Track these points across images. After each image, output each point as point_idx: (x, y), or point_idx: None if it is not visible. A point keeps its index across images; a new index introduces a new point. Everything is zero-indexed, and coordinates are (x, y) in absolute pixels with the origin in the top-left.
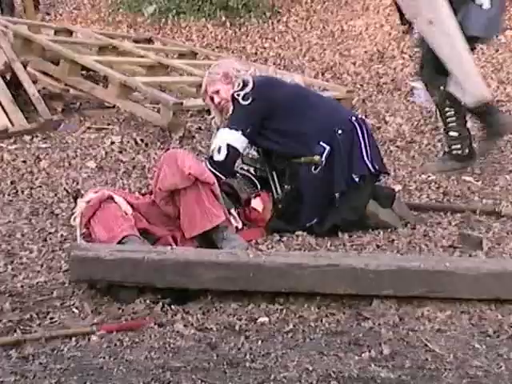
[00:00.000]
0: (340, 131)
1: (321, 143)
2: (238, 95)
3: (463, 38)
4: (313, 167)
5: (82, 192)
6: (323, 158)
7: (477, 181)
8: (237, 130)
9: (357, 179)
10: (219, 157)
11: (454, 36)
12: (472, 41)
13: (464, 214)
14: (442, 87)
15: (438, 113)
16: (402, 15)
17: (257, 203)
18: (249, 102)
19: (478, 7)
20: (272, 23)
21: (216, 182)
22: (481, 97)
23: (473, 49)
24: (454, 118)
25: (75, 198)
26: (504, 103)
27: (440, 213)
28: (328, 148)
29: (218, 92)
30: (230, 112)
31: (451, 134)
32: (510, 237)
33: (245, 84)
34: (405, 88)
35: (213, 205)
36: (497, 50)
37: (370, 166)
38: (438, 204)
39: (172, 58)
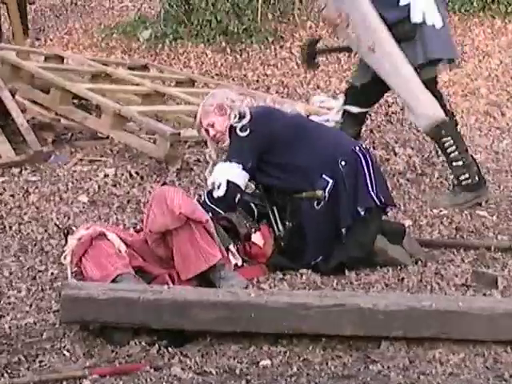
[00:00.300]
0: (343, 163)
1: (323, 176)
2: (236, 127)
3: (406, 60)
4: (315, 202)
5: (73, 228)
6: (326, 193)
7: (491, 215)
8: (237, 163)
9: (362, 212)
10: (219, 193)
11: (396, 60)
12: (434, 64)
13: (478, 250)
14: None
15: (435, 145)
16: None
17: (257, 238)
18: (247, 133)
19: (431, 28)
20: (275, 49)
21: (209, 219)
22: (435, 118)
23: (436, 76)
24: (453, 147)
25: (66, 235)
26: None
27: (452, 249)
28: (331, 181)
29: (213, 125)
30: (227, 144)
31: (455, 164)
32: None
33: (241, 115)
34: None
35: (207, 243)
36: None
37: (375, 197)
38: (450, 240)
39: (169, 85)
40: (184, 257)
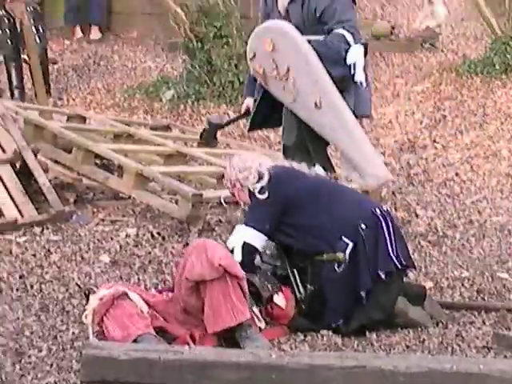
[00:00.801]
0: (363, 226)
1: (343, 239)
2: (255, 189)
3: (354, 118)
4: (336, 265)
5: (94, 288)
6: (347, 255)
7: None
8: (254, 226)
9: (383, 276)
10: (236, 257)
11: (347, 118)
12: (359, 120)
13: (499, 312)
14: None
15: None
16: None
17: (280, 300)
18: (265, 196)
19: (359, 86)
20: None
21: (245, 277)
22: (385, 179)
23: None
24: None
25: (87, 296)
26: None
27: (473, 311)
28: (351, 244)
29: (234, 195)
30: (247, 205)
31: None
32: None
33: (260, 176)
34: (437, 179)
35: (239, 300)
36: None
37: (396, 261)
38: (471, 302)
39: (191, 146)
40: (214, 309)
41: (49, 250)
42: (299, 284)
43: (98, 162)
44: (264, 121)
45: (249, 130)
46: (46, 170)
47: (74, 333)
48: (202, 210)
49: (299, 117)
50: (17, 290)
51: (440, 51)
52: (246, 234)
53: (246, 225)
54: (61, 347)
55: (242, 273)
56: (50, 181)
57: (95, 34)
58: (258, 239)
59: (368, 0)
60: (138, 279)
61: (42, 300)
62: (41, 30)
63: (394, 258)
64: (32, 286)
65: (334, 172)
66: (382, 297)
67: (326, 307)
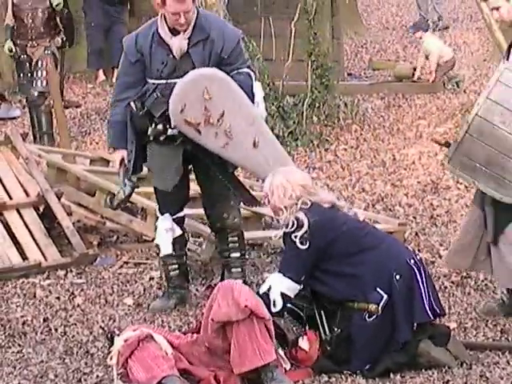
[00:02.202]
0: (398, 276)
1: (378, 290)
2: (296, 237)
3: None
4: (367, 315)
5: (116, 331)
6: (380, 308)
7: None
8: (291, 277)
9: (416, 326)
10: (275, 309)
11: (282, 153)
12: None
13: None
14: None
15: None
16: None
17: (304, 343)
18: (307, 246)
19: None
20: (320, 152)
21: (271, 318)
22: None
23: None
24: None
25: (110, 339)
26: None
27: (498, 352)
28: (385, 297)
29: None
30: (284, 252)
31: None
32: None
33: (299, 225)
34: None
35: (266, 341)
36: None
37: (429, 312)
38: (495, 343)
39: None
40: (241, 350)
41: (73, 293)
42: (325, 326)
43: None
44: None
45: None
46: (69, 213)
47: (98, 376)
48: None
49: (230, 160)
50: (41, 333)
51: (462, 92)
52: (284, 286)
53: (284, 275)
54: None
55: (267, 314)
56: (73, 224)
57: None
58: (293, 290)
59: (390, 42)
60: (162, 321)
61: (66, 343)
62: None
63: (428, 309)
64: (56, 329)
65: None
66: (409, 343)
67: (353, 353)
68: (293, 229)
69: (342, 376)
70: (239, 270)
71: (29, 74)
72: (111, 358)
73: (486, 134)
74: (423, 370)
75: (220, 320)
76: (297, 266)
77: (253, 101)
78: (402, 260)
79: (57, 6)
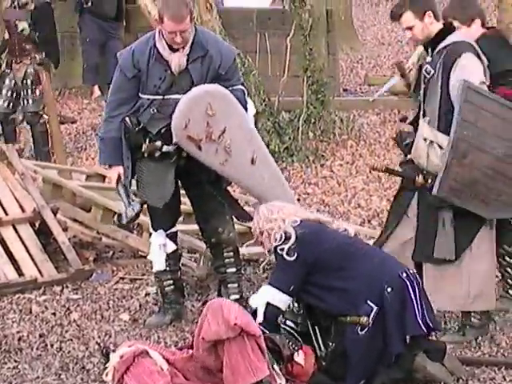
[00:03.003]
0: (389, 289)
1: (368, 302)
2: (282, 249)
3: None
4: (359, 328)
5: (112, 348)
6: (370, 319)
7: None
8: (280, 287)
9: (409, 340)
10: (258, 318)
11: (276, 169)
12: None
13: None
14: None
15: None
16: None
17: (300, 358)
18: (294, 258)
19: None
20: (315, 167)
21: (262, 334)
22: None
23: None
24: None
25: (105, 355)
26: None
27: (494, 368)
28: (376, 308)
29: (262, 244)
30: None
31: None
32: None
33: (287, 237)
34: None
35: (257, 358)
36: None
37: (422, 326)
38: (491, 358)
39: None
40: (233, 368)
41: (68, 309)
42: (320, 341)
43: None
44: None
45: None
46: (65, 229)
47: None
48: None
49: (227, 177)
50: (37, 348)
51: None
52: (270, 295)
53: (272, 285)
54: None
55: (258, 331)
56: (69, 239)
57: None
58: (282, 300)
59: (386, 57)
60: (158, 337)
61: (62, 359)
62: (36, 93)
63: (421, 323)
64: (52, 345)
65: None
66: (404, 357)
67: (348, 367)
68: (281, 242)
69: None
70: (236, 285)
71: (15, 93)
72: (107, 374)
73: (467, 155)
74: None
75: (211, 339)
76: (284, 276)
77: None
78: (393, 273)
79: (22, 31)
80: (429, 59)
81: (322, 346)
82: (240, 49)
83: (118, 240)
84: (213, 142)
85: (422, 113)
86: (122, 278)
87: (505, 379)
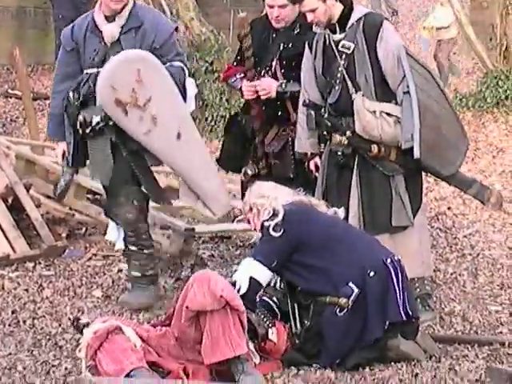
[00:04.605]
0: (372, 273)
1: (349, 284)
2: (269, 225)
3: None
4: (338, 309)
5: (84, 320)
6: (350, 301)
7: (506, 311)
8: (263, 262)
9: (387, 325)
10: (241, 290)
11: (204, 150)
12: None
13: (492, 346)
14: None
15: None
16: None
17: (273, 335)
18: (280, 234)
19: None
20: None
21: (245, 311)
22: (229, 206)
23: None
24: None
25: (77, 328)
26: None
27: (466, 345)
28: (356, 291)
29: (249, 221)
30: (258, 238)
31: None
32: None
33: (275, 213)
34: (429, 213)
35: (238, 333)
36: None
37: (402, 313)
38: (464, 336)
39: None
40: (213, 340)
41: (41, 285)
42: (297, 319)
43: (90, 196)
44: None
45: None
46: (38, 205)
47: (66, 368)
48: (195, 244)
49: (149, 149)
50: (9, 325)
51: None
52: (252, 269)
53: (254, 258)
54: (54, 382)
55: (242, 306)
56: (42, 216)
57: None
58: (263, 275)
59: None
60: (131, 314)
61: (35, 335)
62: None
63: (402, 310)
64: (24, 321)
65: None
66: (380, 339)
67: (323, 347)
68: (268, 217)
69: (311, 369)
70: (137, 262)
71: None
72: (80, 350)
73: (425, 117)
74: (392, 363)
75: (195, 309)
76: (268, 250)
77: (184, 96)
78: (377, 258)
79: None
80: (339, 36)
81: (298, 324)
82: (214, 26)
83: (91, 216)
84: (138, 108)
85: (350, 88)
86: (95, 255)
87: (477, 356)
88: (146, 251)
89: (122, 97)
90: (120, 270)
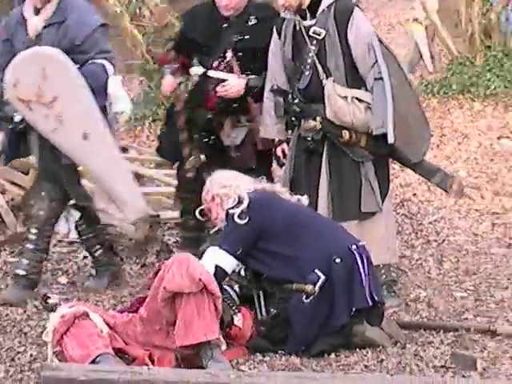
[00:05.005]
0: (338, 260)
1: (316, 271)
2: (234, 213)
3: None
4: (304, 296)
5: (52, 301)
6: (316, 288)
7: (470, 297)
8: (228, 250)
9: (353, 311)
10: None
11: (113, 150)
12: None
13: (457, 332)
14: None
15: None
16: None
17: (238, 320)
18: (245, 221)
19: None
20: None
21: (221, 297)
22: (143, 211)
23: None
24: None
25: (45, 307)
26: (499, 215)
27: (431, 331)
28: (323, 277)
29: (210, 210)
30: (223, 226)
31: None
32: (506, 356)
33: (240, 200)
34: (395, 200)
35: (212, 319)
36: (492, 160)
37: (369, 299)
38: (429, 322)
39: (148, 167)
40: (187, 323)
41: (6, 272)
42: (262, 306)
43: None
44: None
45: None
46: (3, 192)
47: (31, 355)
48: (160, 231)
49: (58, 147)
50: None
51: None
52: (218, 257)
53: (220, 247)
54: (19, 369)
55: (219, 292)
56: (7, 202)
57: None
58: (229, 263)
59: None
60: (96, 301)
61: (0, 322)
62: None
63: (368, 296)
64: None
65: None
66: (346, 326)
67: (289, 334)
68: (233, 205)
69: (277, 355)
70: (26, 261)
71: None
72: (46, 334)
73: (397, 102)
74: (357, 350)
75: (172, 290)
76: (233, 239)
77: (105, 94)
78: (343, 245)
79: None
80: (310, 22)
81: (263, 310)
82: (181, 12)
83: None
84: (43, 106)
85: (321, 74)
86: (60, 241)
87: (442, 343)
88: (39, 254)
89: (23, 94)
90: (85, 257)
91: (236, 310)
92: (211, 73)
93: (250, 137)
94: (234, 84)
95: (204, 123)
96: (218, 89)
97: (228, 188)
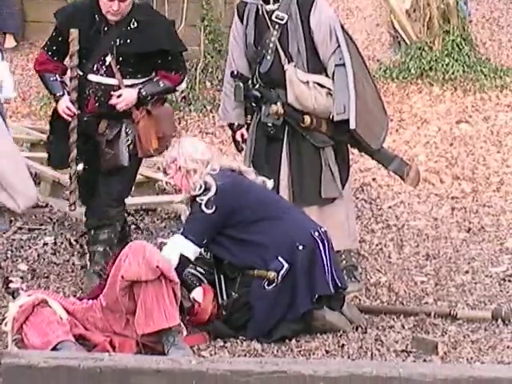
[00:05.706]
0: (301, 247)
1: (279, 259)
2: (201, 200)
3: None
4: (266, 283)
5: (14, 285)
6: (279, 276)
7: (431, 282)
8: (193, 240)
9: (316, 297)
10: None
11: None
12: None
13: (418, 316)
14: None
15: None
16: None
17: (198, 295)
18: (212, 211)
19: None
20: (213, 117)
21: (180, 283)
22: (33, 199)
23: None
24: None
25: (7, 290)
26: (459, 199)
27: (392, 316)
28: (286, 266)
29: (172, 178)
30: (188, 213)
31: None
32: (467, 340)
33: (207, 188)
34: (354, 184)
35: (172, 305)
36: (451, 144)
37: (331, 285)
38: (390, 307)
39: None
40: (147, 311)
41: None
42: (223, 290)
43: None
44: None
45: None
46: None
47: None
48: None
49: None
50: None
51: None
52: (183, 246)
53: (186, 237)
54: None
55: (177, 278)
56: None
57: (10, 42)
58: (193, 251)
59: None
60: (56, 288)
61: None
62: None
63: (330, 282)
64: None
65: None
66: (308, 312)
67: (250, 320)
68: (200, 192)
69: (238, 341)
70: None
71: None
72: (6, 324)
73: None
74: (318, 335)
75: (130, 278)
76: (200, 229)
77: None
78: (306, 231)
79: None
80: (273, 7)
81: (224, 295)
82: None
83: None
84: None
85: (283, 59)
86: (20, 228)
87: (403, 327)
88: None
89: None
90: (45, 244)
91: (197, 284)
92: (91, 77)
93: (121, 134)
94: (126, 95)
95: (82, 127)
96: (112, 100)
97: (198, 163)
